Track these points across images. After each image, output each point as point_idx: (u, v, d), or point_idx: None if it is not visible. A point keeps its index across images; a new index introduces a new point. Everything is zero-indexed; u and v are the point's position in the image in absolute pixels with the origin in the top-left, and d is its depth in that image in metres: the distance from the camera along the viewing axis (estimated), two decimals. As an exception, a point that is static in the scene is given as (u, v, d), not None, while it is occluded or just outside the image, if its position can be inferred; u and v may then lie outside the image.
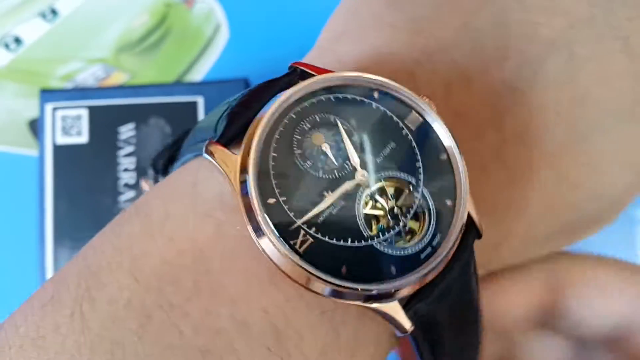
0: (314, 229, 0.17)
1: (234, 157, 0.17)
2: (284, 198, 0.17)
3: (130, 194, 0.32)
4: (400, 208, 0.18)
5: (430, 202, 0.18)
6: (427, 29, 0.20)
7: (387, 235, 0.17)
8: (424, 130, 0.19)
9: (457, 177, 0.18)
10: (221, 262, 0.17)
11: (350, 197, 0.18)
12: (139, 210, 0.19)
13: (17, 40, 0.41)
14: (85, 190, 0.32)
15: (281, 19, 0.42)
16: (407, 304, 0.18)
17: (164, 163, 0.23)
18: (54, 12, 0.42)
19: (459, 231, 0.18)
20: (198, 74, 0.41)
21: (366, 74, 0.18)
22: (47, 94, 0.33)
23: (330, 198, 0.17)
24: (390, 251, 0.17)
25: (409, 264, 0.17)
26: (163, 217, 0.18)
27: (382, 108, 0.18)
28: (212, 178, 0.18)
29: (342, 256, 0.17)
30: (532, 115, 0.20)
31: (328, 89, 0.18)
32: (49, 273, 0.31)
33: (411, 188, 0.18)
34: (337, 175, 0.18)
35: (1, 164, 0.40)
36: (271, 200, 0.17)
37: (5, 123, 0.40)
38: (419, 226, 0.18)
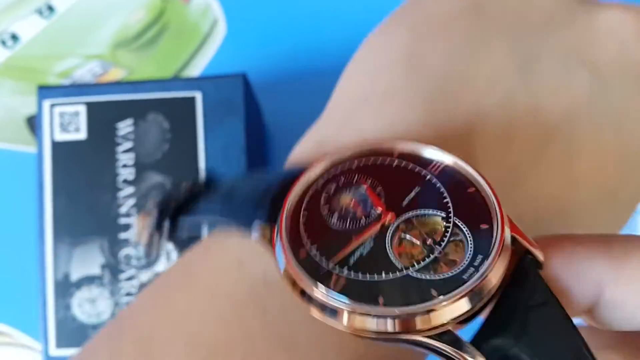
0: (345, 269, 0.18)
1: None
2: (315, 247, 0.18)
3: (129, 189, 0.32)
4: (432, 240, 0.19)
5: (465, 229, 0.19)
6: (442, 106, 0.21)
7: (422, 263, 0.18)
8: (448, 172, 0.20)
9: (488, 201, 0.19)
10: (265, 340, 0.18)
11: (379, 237, 0.19)
12: (189, 279, 0.20)
13: (14, 37, 0.41)
14: (84, 186, 0.32)
15: (278, 13, 0.42)
16: (475, 341, 0.18)
17: (173, 210, 0.24)
18: (50, 8, 0.42)
19: (500, 246, 0.18)
20: (196, 69, 0.41)
21: (384, 144, 0.20)
22: (45, 91, 0.33)
23: (358, 240, 0.19)
24: (428, 277, 0.18)
25: (451, 285, 0.18)
26: (212, 289, 0.19)
27: (403, 163, 0.20)
28: (256, 256, 0.19)
29: (377, 289, 0.18)
30: (530, 200, 0.21)
31: (346, 160, 0.20)
32: (49, 270, 0.31)
33: (441, 220, 0.19)
34: (364, 222, 0.19)
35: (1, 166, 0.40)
36: (302, 254, 0.18)
37: (3, 120, 0.40)
38: (457, 254, 0.18)
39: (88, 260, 0.32)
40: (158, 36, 0.42)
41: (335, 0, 0.41)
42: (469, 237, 0.19)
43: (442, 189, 0.20)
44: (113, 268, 0.32)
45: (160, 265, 0.32)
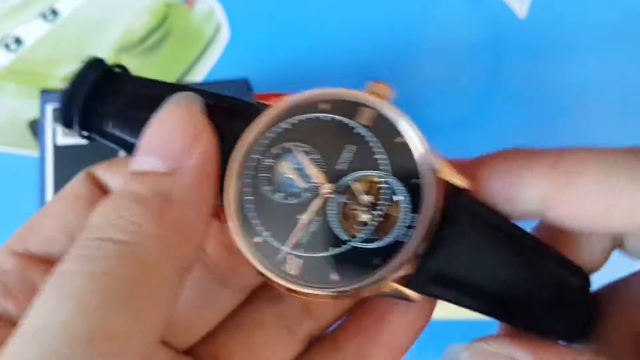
0: (299, 250, 0.19)
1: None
2: (268, 233, 0.20)
3: (131, 194, 0.32)
4: (373, 203, 0.20)
5: (399, 187, 0.20)
6: None
7: (364, 232, 0.19)
8: (377, 122, 0.20)
9: (415, 155, 0.20)
10: None
11: (323, 210, 0.20)
12: None
13: (18, 41, 0.41)
14: (86, 190, 0.32)
15: (281, 19, 0.42)
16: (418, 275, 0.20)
17: (80, 118, 0.22)
18: (54, 12, 0.42)
19: (433, 204, 0.19)
20: (198, 75, 0.41)
21: (309, 91, 0.20)
22: (48, 95, 0.33)
23: (304, 218, 0.20)
24: (371, 245, 0.19)
25: (391, 250, 0.19)
26: None
27: (330, 115, 0.20)
28: None
29: (329, 265, 0.19)
30: None
31: (280, 118, 0.20)
32: (50, 274, 0.31)
33: (377, 180, 0.20)
34: (306, 196, 0.20)
35: (1, 164, 0.40)
36: (258, 239, 0.19)
37: (5, 124, 0.40)
38: (397, 212, 0.19)
39: (89, 265, 0.31)
40: (161, 41, 0.42)
41: (337, 7, 0.41)
42: (405, 195, 0.19)
43: (372, 144, 0.20)
44: (114, 273, 0.31)
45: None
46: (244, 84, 0.33)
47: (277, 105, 0.20)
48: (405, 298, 0.20)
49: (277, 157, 0.20)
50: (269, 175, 0.20)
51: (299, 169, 0.20)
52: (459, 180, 0.20)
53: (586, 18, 0.40)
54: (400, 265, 0.19)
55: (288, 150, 0.20)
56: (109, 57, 0.41)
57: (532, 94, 0.39)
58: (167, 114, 0.20)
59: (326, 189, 0.20)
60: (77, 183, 0.22)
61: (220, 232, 0.23)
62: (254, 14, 0.42)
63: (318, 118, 0.20)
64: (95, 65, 0.22)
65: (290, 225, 0.19)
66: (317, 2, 0.42)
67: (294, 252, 0.19)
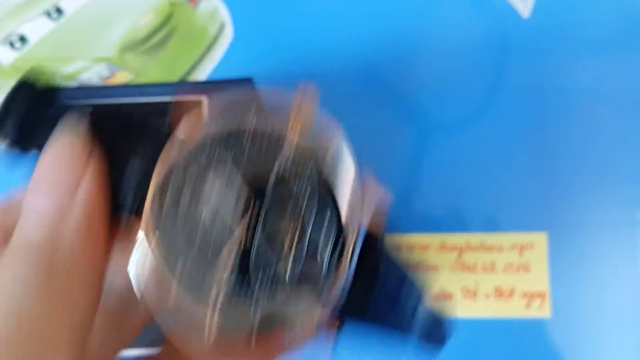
0: (216, 314, 0.17)
1: None
2: (182, 285, 0.18)
3: (135, 192, 0.32)
4: (292, 252, 0.18)
5: (322, 239, 0.18)
6: None
7: (283, 293, 0.18)
8: (304, 158, 0.19)
9: (342, 210, 0.18)
10: None
11: (241, 260, 0.18)
12: None
13: (22, 39, 0.41)
14: (90, 188, 0.32)
15: (285, 18, 0.42)
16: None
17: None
18: (59, 10, 0.42)
19: (355, 259, 0.18)
20: (202, 73, 0.41)
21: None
22: (52, 93, 0.33)
23: (221, 273, 0.18)
24: (291, 307, 0.18)
25: (311, 311, 0.18)
26: None
27: (255, 143, 0.19)
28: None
29: (246, 327, 0.18)
30: None
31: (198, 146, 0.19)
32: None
33: (301, 230, 0.18)
34: (220, 242, 0.18)
35: (2, 163, 0.40)
36: (171, 300, 0.17)
37: (10, 121, 0.40)
38: (316, 267, 0.18)
39: (92, 262, 0.32)
40: (165, 40, 0.42)
41: (341, 5, 0.42)
42: (326, 247, 0.18)
43: (297, 185, 0.18)
44: (117, 270, 0.32)
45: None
46: (249, 83, 0.33)
47: (193, 134, 0.18)
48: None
49: (194, 190, 0.18)
50: (182, 212, 0.18)
51: (216, 206, 0.18)
52: (379, 231, 0.19)
53: (590, 18, 0.40)
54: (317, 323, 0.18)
55: (204, 181, 0.18)
56: (113, 55, 0.41)
57: (535, 94, 0.39)
58: (52, 148, 0.19)
59: (240, 233, 0.18)
60: None
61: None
62: (258, 13, 0.42)
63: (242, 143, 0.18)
64: (27, 90, 0.21)
65: (204, 277, 0.17)
66: (321, 1, 0.42)
67: (212, 315, 0.18)
